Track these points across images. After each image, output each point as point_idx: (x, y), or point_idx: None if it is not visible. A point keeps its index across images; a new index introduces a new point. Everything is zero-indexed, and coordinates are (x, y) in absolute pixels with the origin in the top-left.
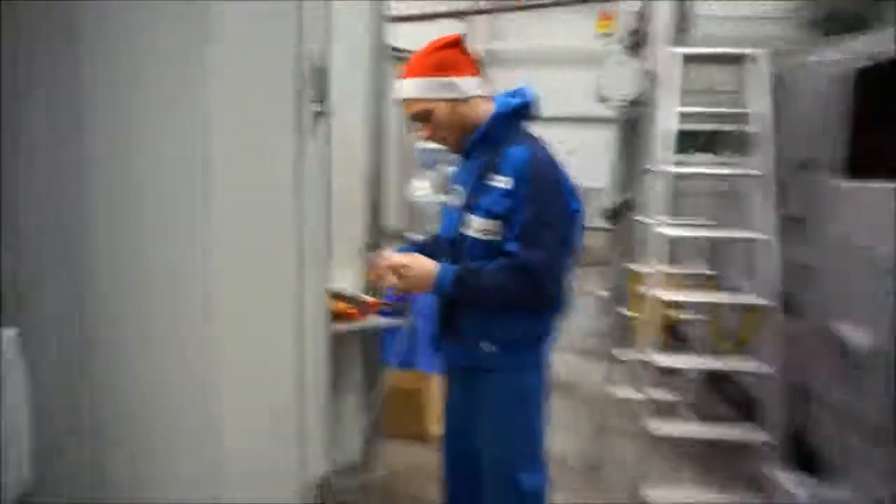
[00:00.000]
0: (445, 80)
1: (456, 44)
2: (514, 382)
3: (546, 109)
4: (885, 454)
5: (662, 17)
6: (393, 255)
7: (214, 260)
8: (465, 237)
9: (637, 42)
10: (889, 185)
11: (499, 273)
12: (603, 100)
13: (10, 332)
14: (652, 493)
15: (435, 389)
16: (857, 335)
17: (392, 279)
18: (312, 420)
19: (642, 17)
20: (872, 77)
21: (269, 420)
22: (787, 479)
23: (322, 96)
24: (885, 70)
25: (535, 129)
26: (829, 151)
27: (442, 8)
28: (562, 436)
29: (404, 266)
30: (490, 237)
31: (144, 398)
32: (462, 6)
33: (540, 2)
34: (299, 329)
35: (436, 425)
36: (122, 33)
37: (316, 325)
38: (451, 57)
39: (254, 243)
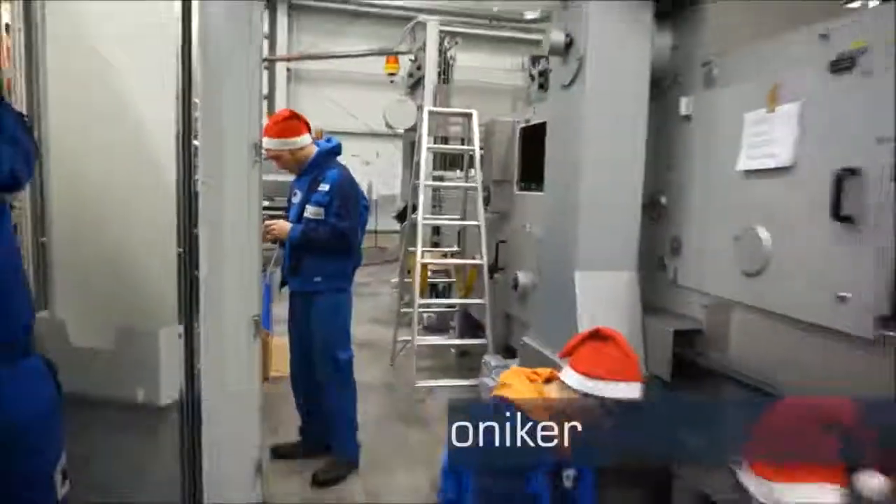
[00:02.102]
0: (287, 140)
1: (292, 116)
2: (333, 300)
3: (345, 124)
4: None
5: (430, 67)
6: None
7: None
8: (304, 218)
9: (415, 83)
10: (536, 193)
11: (324, 231)
12: (389, 127)
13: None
14: (421, 382)
15: (272, 342)
16: (523, 277)
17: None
18: (254, 281)
19: (418, 66)
20: (527, 133)
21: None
22: (491, 359)
23: (257, 154)
24: (530, 129)
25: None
26: (511, 173)
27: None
28: (367, 371)
29: (276, 224)
30: (318, 217)
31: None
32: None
33: (339, 54)
34: (251, 247)
35: (274, 369)
36: None
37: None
38: (290, 125)
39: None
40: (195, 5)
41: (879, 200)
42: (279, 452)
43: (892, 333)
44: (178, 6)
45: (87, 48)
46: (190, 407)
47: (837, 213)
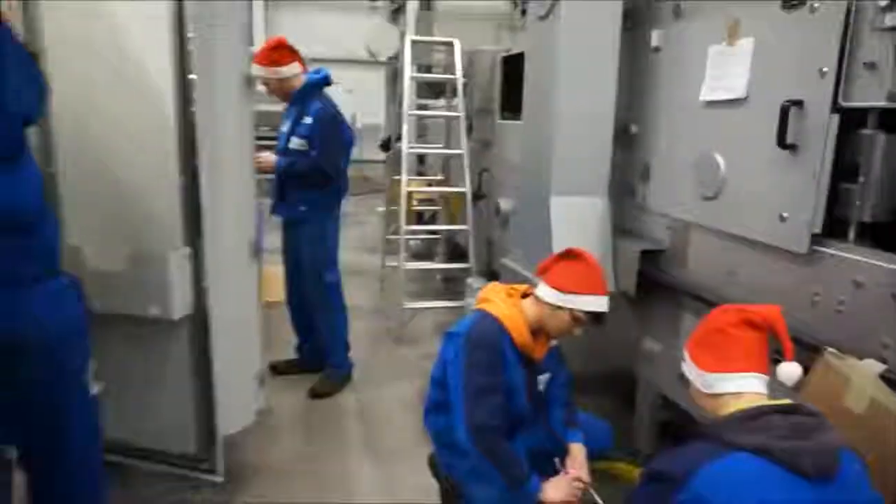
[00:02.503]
0: (277, 68)
1: (283, 44)
2: (318, 227)
3: (326, 51)
4: (509, 259)
5: None
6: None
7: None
8: (289, 148)
9: (397, 10)
10: (517, 122)
11: (305, 163)
12: (372, 55)
13: None
14: (409, 304)
15: (267, 270)
16: (504, 203)
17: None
18: (249, 206)
19: None
20: (508, 62)
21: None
22: (475, 281)
23: (249, 83)
24: (512, 59)
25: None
26: (493, 102)
27: None
28: (358, 295)
29: (262, 156)
30: (302, 148)
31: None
32: None
33: None
34: (245, 174)
35: (269, 296)
36: None
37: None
38: (278, 53)
39: (231, 141)
40: None
41: (818, 130)
42: (277, 369)
43: (821, 248)
44: None
45: None
46: (199, 321)
47: (783, 142)
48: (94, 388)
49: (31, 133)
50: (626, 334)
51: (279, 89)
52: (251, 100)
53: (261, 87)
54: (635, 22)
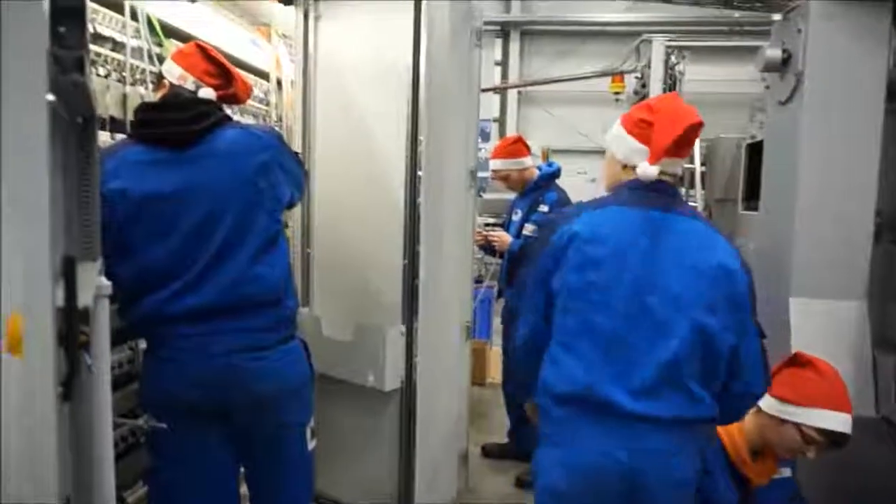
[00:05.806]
0: (513, 160)
1: (519, 140)
2: None
3: (572, 143)
4: None
5: (655, 82)
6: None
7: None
8: (523, 234)
9: (640, 101)
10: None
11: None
12: None
13: None
14: None
15: (489, 351)
16: None
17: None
18: (466, 290)
19: (643, 84)
20: (753, 149)
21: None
22: None
23: (473, 179)
24: (757, 146)
25: (564, 165)
26: (734, 192)
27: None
28: None
29: (499, 235)
30: (535, 234)
31: None
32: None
33: (564, 78)
34: (464, 260)
35: (490, 376)
36: None
37: (468, 257)
38: (516, 148)
39: (453, 229)
40: (423, 57)
41: None
42: (487, 451)
43: None
44: (409, 57)
45: (343, 95)
46: (408, 394)
47: None
48: (312, 443)
49: (295, 218)
50: (891, 473)
51: (518, 179)
52: (475, 191)
53: (496, 182)
54: None
